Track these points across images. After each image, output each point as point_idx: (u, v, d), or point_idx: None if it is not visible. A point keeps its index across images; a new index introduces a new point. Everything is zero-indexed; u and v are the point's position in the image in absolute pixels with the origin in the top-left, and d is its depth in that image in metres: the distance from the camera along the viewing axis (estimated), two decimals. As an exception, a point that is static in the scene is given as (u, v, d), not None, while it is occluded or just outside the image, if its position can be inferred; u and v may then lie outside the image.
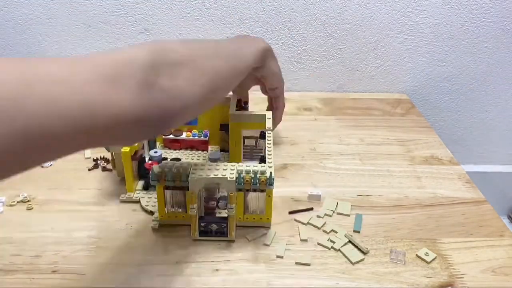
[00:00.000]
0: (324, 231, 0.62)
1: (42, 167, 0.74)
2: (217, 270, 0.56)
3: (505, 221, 1.22)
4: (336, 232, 0.62)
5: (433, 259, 0.58)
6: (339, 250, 0.59)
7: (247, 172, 0.57)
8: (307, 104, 1.00)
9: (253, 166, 0.58)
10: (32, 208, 0.65)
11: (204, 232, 0.59)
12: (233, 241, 0.60)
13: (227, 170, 0.57)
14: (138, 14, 0.96)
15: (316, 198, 0.68)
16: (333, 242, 0.60)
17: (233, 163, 0.58)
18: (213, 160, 0.69)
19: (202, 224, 0.59)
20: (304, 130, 0.89)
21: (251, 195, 0.60)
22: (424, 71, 1.05)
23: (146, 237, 0.60)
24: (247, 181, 0.56)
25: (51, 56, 0.99)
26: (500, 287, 0.55)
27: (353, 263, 0.57)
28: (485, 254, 0.60)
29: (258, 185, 0.57)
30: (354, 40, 1.01)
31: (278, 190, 0.70)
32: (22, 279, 0.53)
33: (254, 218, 0.62)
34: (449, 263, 0.58)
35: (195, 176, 0.55)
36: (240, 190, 0.58)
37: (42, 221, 0.63)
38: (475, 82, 1.07)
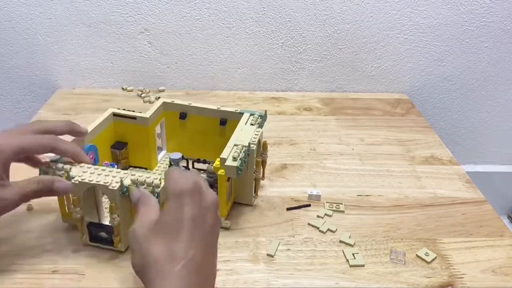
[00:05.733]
0: (322, 231, 0.62)
1: (42, 167, 0.74)
2: (217, 270, 0.55)
3: (505, 221, 1.22)
4: (334, 231, 0.62)
5: (433, 259, 0.58)
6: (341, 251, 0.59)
7: (134, 182, 0.52)
8: (307, 104, 0.99)
9: (142, 175, 0.53)
10: (32, 208, 0.65)
11: (96, 239, 0.57)
12: (121, 251, 0.56)
13: (116, 177, 0.53)
14: (138, 14, 0.96)
15: (316, 198, 0.68)
16: (333, 243, 0.60)
17: (123, 171, 0.54)
18: (175, 161, 0.66)
19: (92, 231, 0.56)
20: (304, 130, 0.89)
21: None
22: (424, 71, 1.05)
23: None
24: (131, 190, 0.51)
25: (51, 55, 0.99)
26: (500, 287, 0.55)
27: (350, 266, 0.57)
28: (485, 254, 0.60)
29: None
30: (354, 40, 1.01)
31: (278, 190, 0.70)
32: (22, 279, 0.53)
33: None
34: (449, 263, 0.58)
35: (77, 180, 0.53)
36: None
37: (42, 221, 0.62)
38: (475, 82, 1.07)
